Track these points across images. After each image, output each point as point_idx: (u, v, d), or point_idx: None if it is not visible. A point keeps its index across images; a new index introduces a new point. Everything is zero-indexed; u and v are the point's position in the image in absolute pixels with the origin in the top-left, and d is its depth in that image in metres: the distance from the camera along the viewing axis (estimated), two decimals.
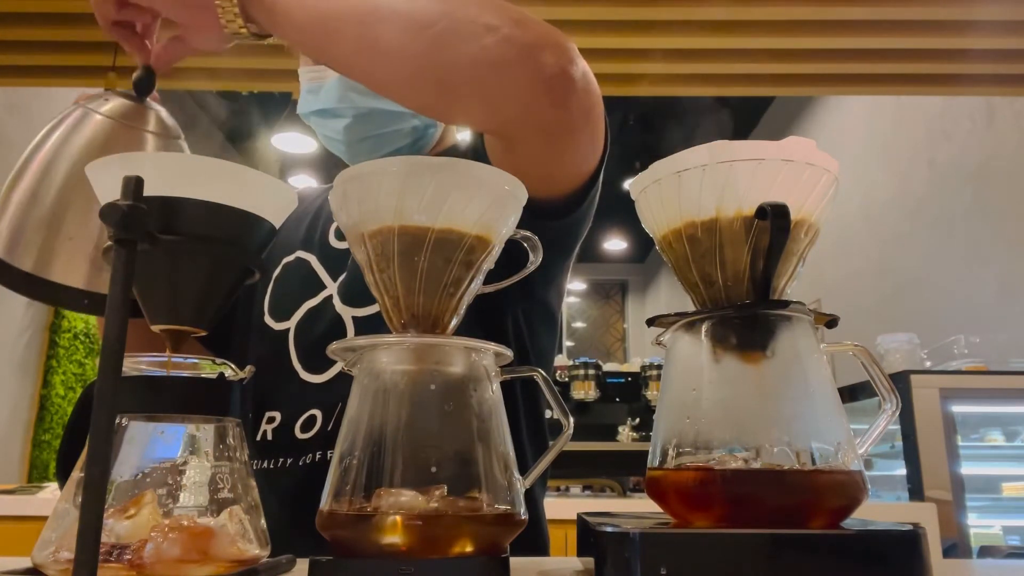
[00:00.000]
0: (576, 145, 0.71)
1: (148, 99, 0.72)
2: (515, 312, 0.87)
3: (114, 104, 0.69)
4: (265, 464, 0.82)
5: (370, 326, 0.80)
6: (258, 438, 0.84)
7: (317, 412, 0.80)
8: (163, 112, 0.72)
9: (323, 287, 0.85)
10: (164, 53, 0.74)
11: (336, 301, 0.83)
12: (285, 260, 0.91)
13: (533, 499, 0.87)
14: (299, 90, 0.90)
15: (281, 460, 0.80)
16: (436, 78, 0.63)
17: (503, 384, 0.79)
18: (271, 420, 0.83)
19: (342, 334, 0.81)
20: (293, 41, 0.67)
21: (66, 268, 0.63)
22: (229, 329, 0.96)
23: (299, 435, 0.80)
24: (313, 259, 0.89)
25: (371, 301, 0.81)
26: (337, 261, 0.87)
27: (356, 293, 0.82)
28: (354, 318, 0.82)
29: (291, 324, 0.87)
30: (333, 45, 0.64)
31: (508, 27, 0.61)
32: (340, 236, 0.88)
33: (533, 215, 0.73)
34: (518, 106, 0.64)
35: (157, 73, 0.73)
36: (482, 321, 0.81)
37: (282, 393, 0.84)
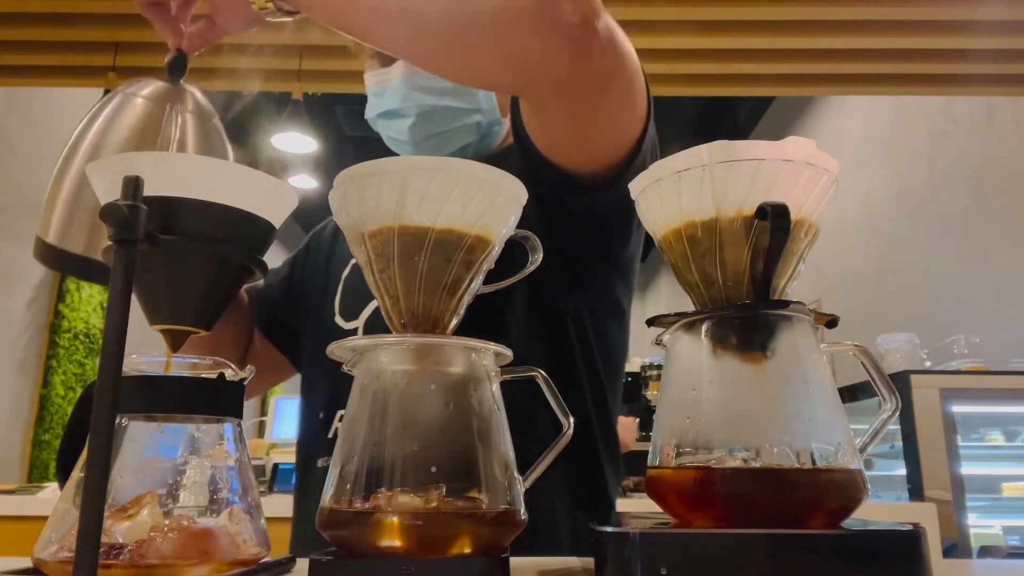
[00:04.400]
0: (605, 105, 0.68)
1: (182, 81, 0.73)
2: (577, 311, 0.85)
3: (152, 88, 0.71)
4: None
5: None
6: (330, 435, 0.84)
7: None
8: (198, 93, 0.74)
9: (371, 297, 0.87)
10: (195, 36, 0.75)
11: None
12: (353, 261, 0.92)
13: (608, 497, 0.86)
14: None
15: None
16: (457, 38, 0.63)
17: (574, 383, 0.80)
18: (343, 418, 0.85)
19: None
20: (315, 12, 0.68)
21: None
22: (299, 330, 0.98)
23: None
24: None
25: None
26: None
27: None
28: None
29: (359, 323, 0.88)
30: (355, 12, 0.65)
31: None
32: None
33: (577, 190, 0.73)
34: (539, 61, 0.63)
35: (188, 56, 0.75)
36: (543, 329, 0.82)
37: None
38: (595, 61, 0.63)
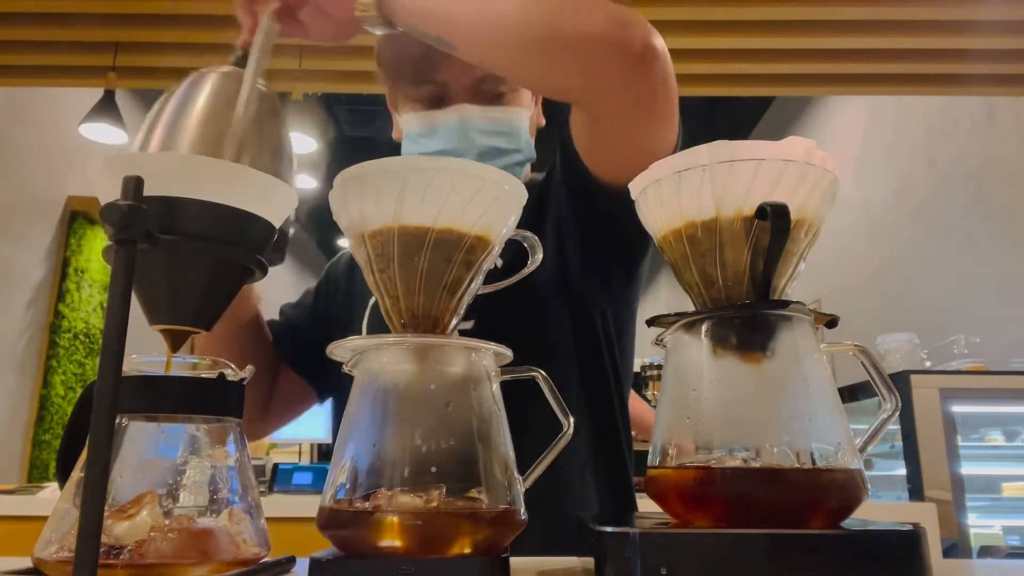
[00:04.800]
0: (651, 119, 0.76)
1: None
2: (603, 309, 0.93)
3: (224, 69, 0.72)
4: None
5: (469, 335, 0.86)
6: None
7: None
8: (261, 82, 0.75)
9: None
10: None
11: None
12: None
13: (627, 479, 0.94)
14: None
15: None
16: (539, 50, 0.73)
17: (600, 371, 0.90)
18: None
19: None
20: (416, 22, 0.75)
21: None
22: (322, 355, 0.99)
23: None
24: None
25: (467, 317, 0.87)
26: None
27: None
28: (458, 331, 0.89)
29: None
30: (455, 23, 0.74)
31: (602, 7, 0.72)
32: None
33: (611, 198, 0.79)
34: (607, 74, 0.72)
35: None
36: (574, 322, 0.91)
37: None
38: (652, 77, 0.73)
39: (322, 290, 1.07)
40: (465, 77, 0.88)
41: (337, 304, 1.02)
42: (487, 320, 0.85)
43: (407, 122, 0.93)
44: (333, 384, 1.01)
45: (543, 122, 1.01)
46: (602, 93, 0.75)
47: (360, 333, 0.93)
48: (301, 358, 1.01)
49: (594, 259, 0.90)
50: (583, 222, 0.87)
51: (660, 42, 0.73)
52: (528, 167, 0.98)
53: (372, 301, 0.96)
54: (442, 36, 0.74)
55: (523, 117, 0.92)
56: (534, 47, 0.72)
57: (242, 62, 0.74)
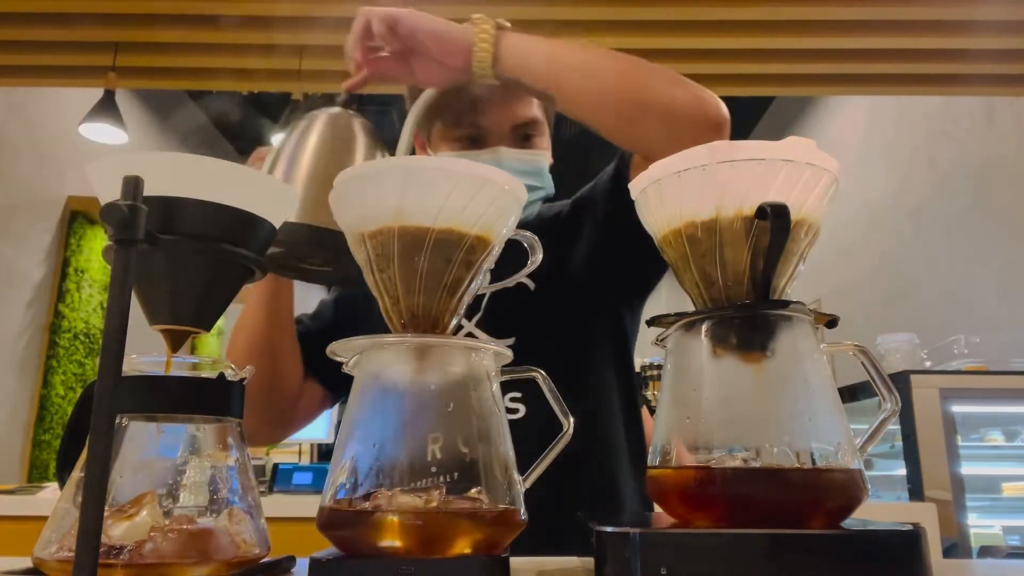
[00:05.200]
0: None
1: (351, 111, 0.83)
2: (630, 306, 1.06)
3: (334, 111, 0.81)
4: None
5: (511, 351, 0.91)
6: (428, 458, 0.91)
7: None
8: (364, 120, 0.82)
9: (460, 327, 0.97)
10: (372, 76, 0.85)
11: (479, 335, 0.98)
12: None
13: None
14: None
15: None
16: (636, 113, 0.84)
17: (628, 365, 1.01)
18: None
19: None
20: (526, 78, 0.84)
21: None
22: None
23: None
24: None
25: (508, 334, 0.95)
26: (471, 304, 0.97)
27: (496, 326, 0.96)
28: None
29: None
30: (563, 85, 0.84)
31: (683, 82, 0.85)
32: None
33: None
34: (692, 137, 0.78)
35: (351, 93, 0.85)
36: (610, 330, 1.03)
37: None
38: (723, 138, 0.84)
39: (343, 297, 1.10)
40: (505, 123, 0.97)
41: (360, 311, 1.04)
42: (528, 336, 0.94)
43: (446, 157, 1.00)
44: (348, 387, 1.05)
45: (552, 161, 1.11)
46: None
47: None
48: (323, 366, 1.02)
49: (629, 274, 1.02)
50: (622, 247, 0.94)
51: (727, 112, 0.86)
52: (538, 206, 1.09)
53: None
54: (548, 91, 0.84)
55: (546, 158, 1.02)
56: (629, 111, 0.83)
57: (348, 104, 0.81)
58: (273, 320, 0.92)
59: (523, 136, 0.99)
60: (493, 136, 0.97)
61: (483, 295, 0.97)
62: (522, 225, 1.01)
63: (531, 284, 0.97)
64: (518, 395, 0.93)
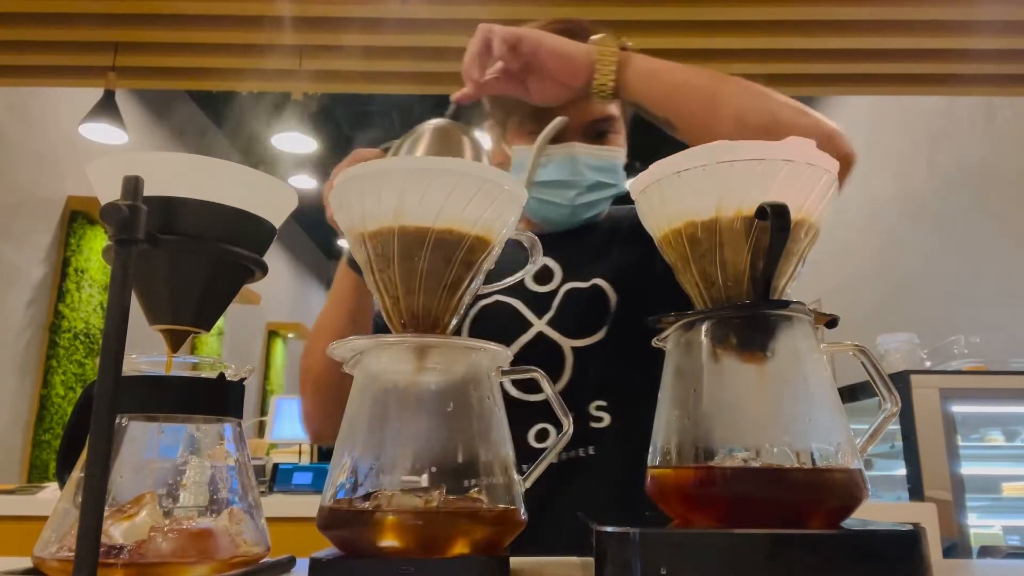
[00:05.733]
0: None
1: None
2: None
3: (441, 123, 0.78)
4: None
5: (591, 355, 0.92)
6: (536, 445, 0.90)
7: (547, 425, 0.91)
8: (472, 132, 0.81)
9: (530, 325, 0.96)
10: (486, 87, 0.84)
11: (550, 334, 0.96)
12: (482, 303, 1.00)
13: None
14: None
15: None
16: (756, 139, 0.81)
17: None
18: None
19: (560, 362, 0.93)
20: (646, 104, 0.82)
21: None
22: None
23: (534, 444, 0.90)
24: (516, 302, 0.99)
25: (588, 333, 0.93)
26: (539, 302, 0.98)
27: (570, 326, 0.95)
28: (573, 348, 0.93)
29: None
30: (684, 115, 0.81)
31: (812, 115, 0.81)
32: (539, 280, 0.99)
33: None
34: None
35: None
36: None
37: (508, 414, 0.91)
38: (847, 177, 0.80)
39: None
40: (582, 119, 0.94)
41: None
42: (617, 332, 0.92)
43: (519, 153, 0.98)
44: None
45: (627, 160, 1.10)
46: None
47: (460, 335, 0.96)
48: None
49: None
50: None
51: (854, 149, 0.83)
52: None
53: (477, 308, 1.00)
54: (669, 119, 0.82)
55: (622, 156, 1.00)
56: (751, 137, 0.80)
57: (456, 116, 0.80)
58: (355, 318, 0.92)
59: (599, 132, 0.97)
60: (568, 131, 0.95)
61: (553, 293, 0.96)
62: (589, 223, 1.01)
63: (606, 285, 0.96)
64: (603, 403, 0.92)
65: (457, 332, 0.96)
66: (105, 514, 0.37)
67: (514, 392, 0.91)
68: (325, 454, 3.44)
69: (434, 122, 0.78)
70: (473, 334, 0.99)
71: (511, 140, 1.00)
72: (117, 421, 0.47)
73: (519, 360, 0.91)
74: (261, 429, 3.76)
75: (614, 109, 0.97)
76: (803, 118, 0.80)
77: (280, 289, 7.50)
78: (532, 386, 0.88)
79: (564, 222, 0.99)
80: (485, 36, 0.81)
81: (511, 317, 0.97)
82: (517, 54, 0.81)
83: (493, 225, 0.53)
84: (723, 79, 0.83)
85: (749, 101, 0.81)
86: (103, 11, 2.89)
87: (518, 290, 0.98)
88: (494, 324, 0.98)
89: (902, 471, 2.82)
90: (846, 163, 0.78)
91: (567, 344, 0.94)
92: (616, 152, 0.99)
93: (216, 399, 0.51)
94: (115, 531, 0.45)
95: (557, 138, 0.95)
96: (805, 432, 0.48)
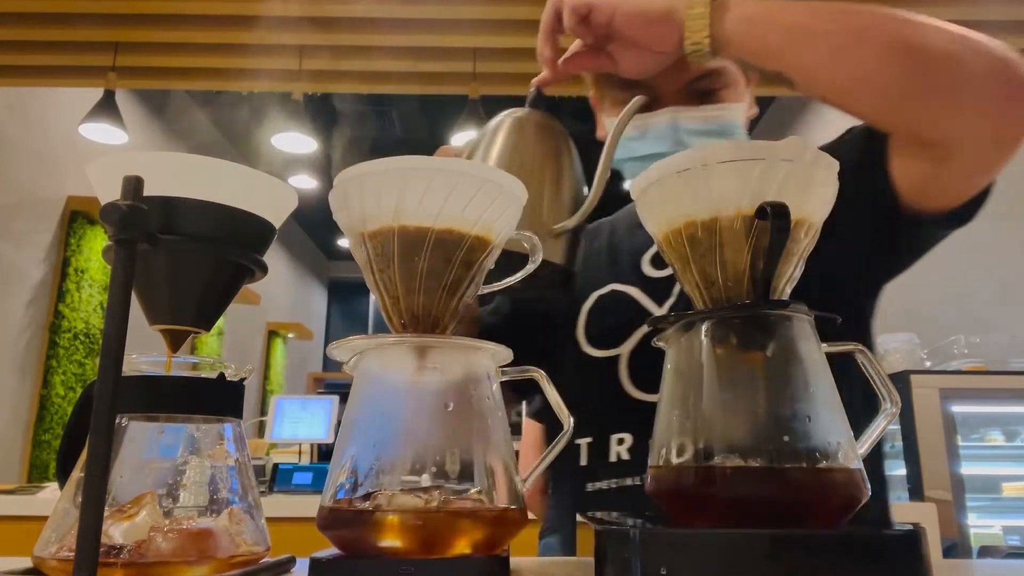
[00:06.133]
0: (1002, 157, 0.70)
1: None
2: (870, 305, 0.94)
3: (520, 113, 0.74)
4: (629, 482, 0.82)
5: None
6: (612, 460, 0.84)
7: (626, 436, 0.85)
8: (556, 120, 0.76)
9: (650, 315, 0.87)
10: (571, 63, 0.76)
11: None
12: (598, 293, 0.93)
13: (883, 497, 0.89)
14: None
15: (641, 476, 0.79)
16: (906, 96, 0.66)
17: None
18: (621, 442, 0.85)
19: None
20: (752, 58, 0.69)
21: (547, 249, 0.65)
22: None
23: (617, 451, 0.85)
24: (634, 290, 0.91)
25: None
26: (659, 289, 0.89)
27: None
28: None
29: (622, 351, 0.88)
30: (803, 65, 0.68)
31: (977, 41, 0.63)
32: (656, 264, 0.91)
33: (932, 225, 0.78)
34: (986, 117, 0.65)
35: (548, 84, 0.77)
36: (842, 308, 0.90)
37: (623, 415, 0.84)
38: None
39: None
40: (677, 80, 0.83)
41: (540, 303, 0.98)
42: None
43: (611, 125, 0.90)
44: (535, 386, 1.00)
45: (756, 111, 0.97)
46: (971, 135, 0.68)
47: (574, 330, 0.92)
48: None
49: (877, 269, 0.92)
50: (862, 238, 0.81)
51: None
52: None
53: (593, 299, 0.94)
54: (783, 73, 0.68)
55: (738, 113, 0.88)
56: (897, 96, 0.66)
57: (537, 102, 0.74)
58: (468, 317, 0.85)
59: (703, 91, 0.85)
60: (666, 96, 0.84)
61: (673, 277, 0.86)
62: None
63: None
64: None
65: (571, 325, 0.94)
66: (105, 514, 0.37)
67: (635, 394, 0.85)
68: (325, 454, 3.44)
69: (511, 114, 0.72)
70: (589, 328, 0.92)
71: (609, 114, 0.90)
72: (117, 421, 0.47)
73: (640, 356, 0.86)
74: (261, 429, 3.76)
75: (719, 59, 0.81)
76: (971, 58, 0.63)
77: (280, 289, 7.50)
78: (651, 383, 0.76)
79: None
80: (554, 9, 0.72)
81: (629, 307, 0.89)
82: (590, 25, 0.71)
83: (493, 225, 0.53)
84: (853, 12, 0.66)
85: (889, 42, 0.65)
86: (103, 11, 2.90)
87: (633, 276, 0.91)
88: (610, 316, 0.90)
89: (902, 471, 2.83)
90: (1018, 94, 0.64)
91: None
92: (727, 110, 0.86)
93: (216, 399, 0.51)
94: (115, 531, 0.45)
95: (655, 104, 0.84)
96: (805, 432, 0.48)
